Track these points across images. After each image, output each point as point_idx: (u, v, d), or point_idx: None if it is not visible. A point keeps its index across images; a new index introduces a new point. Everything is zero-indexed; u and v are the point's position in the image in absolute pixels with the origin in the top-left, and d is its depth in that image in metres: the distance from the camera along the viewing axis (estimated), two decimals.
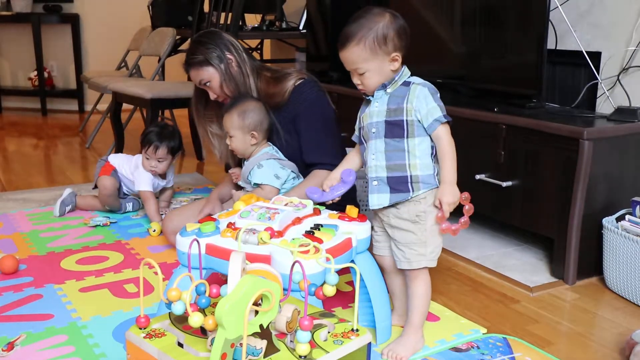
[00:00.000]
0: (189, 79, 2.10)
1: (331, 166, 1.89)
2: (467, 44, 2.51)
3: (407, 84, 1.47)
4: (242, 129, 1.92)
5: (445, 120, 1.44)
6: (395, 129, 1.46)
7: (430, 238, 1.48)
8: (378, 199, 1.49)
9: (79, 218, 2.53)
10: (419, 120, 1.44)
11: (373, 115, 1.48)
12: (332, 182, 1.57)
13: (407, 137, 1.45)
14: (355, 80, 1.49)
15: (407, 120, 1.45)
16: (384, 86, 1.47)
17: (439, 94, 1.47)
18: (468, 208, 1.47)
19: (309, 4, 3.50)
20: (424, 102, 1.43)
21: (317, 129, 1.95)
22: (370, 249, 1.54)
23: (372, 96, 1.50)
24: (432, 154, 1.48)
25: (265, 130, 1.95)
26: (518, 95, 2.31)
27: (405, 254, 1.50)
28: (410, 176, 1.46)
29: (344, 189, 1.55)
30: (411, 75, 1.50)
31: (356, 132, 1.58)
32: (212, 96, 2.02)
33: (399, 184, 1.47)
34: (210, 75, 1.97)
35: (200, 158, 3.69)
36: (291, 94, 1.95)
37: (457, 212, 1.48)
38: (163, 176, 2.58)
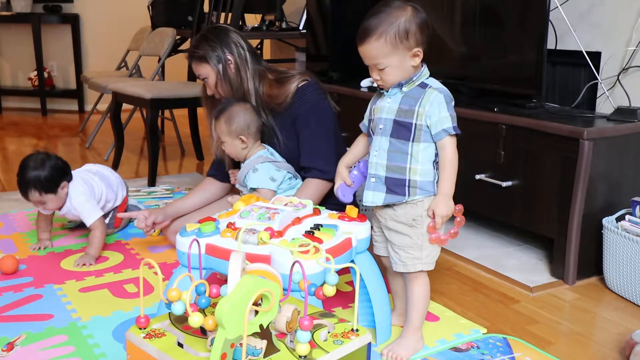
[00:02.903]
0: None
1: (321, 172, 1.90)
2: (467, 44, 2.51)
3: (424, 85, 1.44)
4: (230, 135, 1.93)
5: (454, 132, 1.42)
6: (402, 130, 1.44)
7: (426, 242, 1.48)
8: (373, 196, 1.49)
9: None
10: (427, 126, 1.42)
11: (383, 110, 1.46)
12: (347, 177, 1.57)
13: (413, 140, 1.43)
14: (375, 76, 1.45)
15: (415, 124, 1.42)
16: (400, 84, 1.44)
17: (453, 102, 1.45)
18: (459, 220, 1.47)
19: (309, 4, 3.50)
20: (437, 109, 1.41)
21: (315, 132, 1.95)
22: (370, 248, 1.54)
23: (388, 91, 1.47)
24: (434, 161, 1.46)
25: (254, 133, 1.94)
26: (518, 95, 2.31)
27: (400, 257, 1.49)
28: (409, 180, 1.45)
29: (363, 180, 1.57)
30: (430, 75, 1.47)
31: (365, 122, 1.56)
32: (209, 92, 2.03)
33: (395, 186, 1.46)
34: (207, 73, 1.98)
35: (200, 158, 3.70)
36: (294, 96, 1.95)
37: (448, 221, 1.48)
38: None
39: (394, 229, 1.49)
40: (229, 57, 1.96)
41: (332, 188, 1.92)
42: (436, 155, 1.46)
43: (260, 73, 2.01)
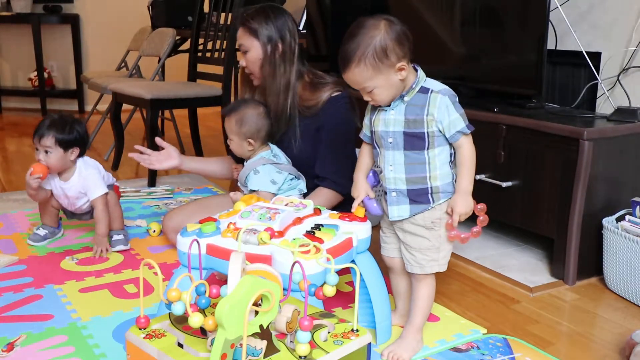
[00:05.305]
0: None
1: (336, 184, 1.92)
2: (467, 44, 2.51)
3: (425, 90, 1.42)
4: (238, 135, 1.93)
5: (469, 131, 1.41)
6: (415, 141, 1.42)
7: (443, 244, 1.49)
8: (398, 211, 1.48)
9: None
10: (439, 131, 1.41)
11: (389, 124, 1.44)
12: (370, 191, 1.55)
13: (428, 148, 1.43)
14: (366, 98, 1.44)
15: (427, 132, 1.41)
16: (401, 96, 1.42)
17: (457, 98, 1.44)
18: (482, 219, 1.46)
19: (309, 4, 3.50)
20: (446, 113, 1.39)
21: (338, 145, 1.95)
22: (377, 249, 1.54)
23: (387, 106, 1.45)
24: (450, 160, 1.46)
25: (263, 137, 1.95)
26: (518, 95, 2.31)
27: (417, 259, 1.49)
28: (431, 187, 1.45)
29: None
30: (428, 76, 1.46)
31: (366, 132, 1.54)
32: (242, 63, 2.00)
33: (419, 196, 1.46)
34: (251, 46, 1.94)
35: None
36: (324, 104, 1.95)
37: (471, 220, 1.48)
38: (60, 174, 2.12)
39: (411, 231, 1.49)
40: (279, 44, 1.93)
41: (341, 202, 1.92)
42: (451, 154, 1.46)
43: (300, 71, 1.99)
